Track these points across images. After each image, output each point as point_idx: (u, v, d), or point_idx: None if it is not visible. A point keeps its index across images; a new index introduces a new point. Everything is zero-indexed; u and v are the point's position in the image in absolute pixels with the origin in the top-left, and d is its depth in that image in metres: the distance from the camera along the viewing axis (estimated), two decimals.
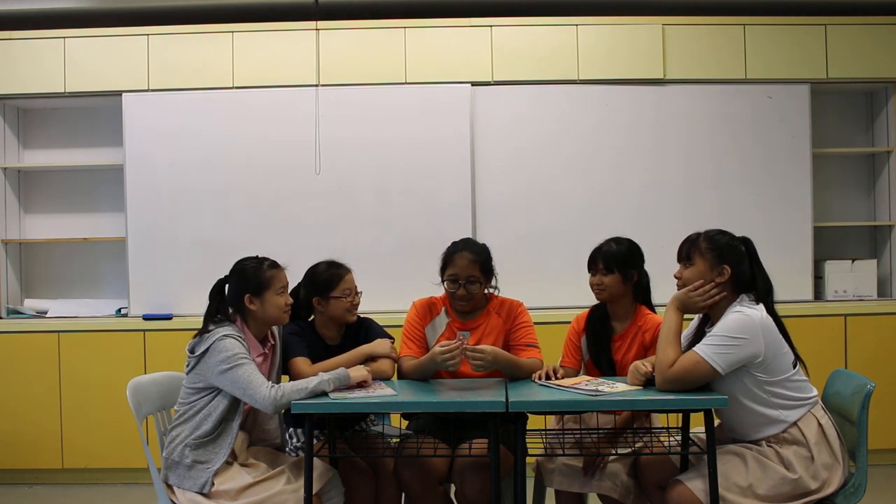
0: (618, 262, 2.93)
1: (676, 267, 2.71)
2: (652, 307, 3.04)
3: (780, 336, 2.55)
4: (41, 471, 4.52)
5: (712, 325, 2.61)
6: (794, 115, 4.69)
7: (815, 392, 2.61)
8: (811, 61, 4.67)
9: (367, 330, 3.06)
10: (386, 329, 3.11)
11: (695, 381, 2.50)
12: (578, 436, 2.85)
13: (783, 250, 4.59)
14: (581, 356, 3.05)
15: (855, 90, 4.96)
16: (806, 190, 4.70)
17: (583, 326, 3.06)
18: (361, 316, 3.08)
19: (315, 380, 2.62)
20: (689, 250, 2.67)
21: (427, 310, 3.11)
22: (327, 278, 2.98)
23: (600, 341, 2.98)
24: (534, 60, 4.65)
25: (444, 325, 3.08)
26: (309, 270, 3.03)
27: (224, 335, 2.64)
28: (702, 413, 2.52)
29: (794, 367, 2.57)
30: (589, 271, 2.99)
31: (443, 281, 3.04)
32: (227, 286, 2.82)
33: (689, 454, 2.68)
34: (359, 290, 3.03)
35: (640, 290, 3.01)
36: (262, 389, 2.56)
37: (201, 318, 2.77)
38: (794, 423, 2.53)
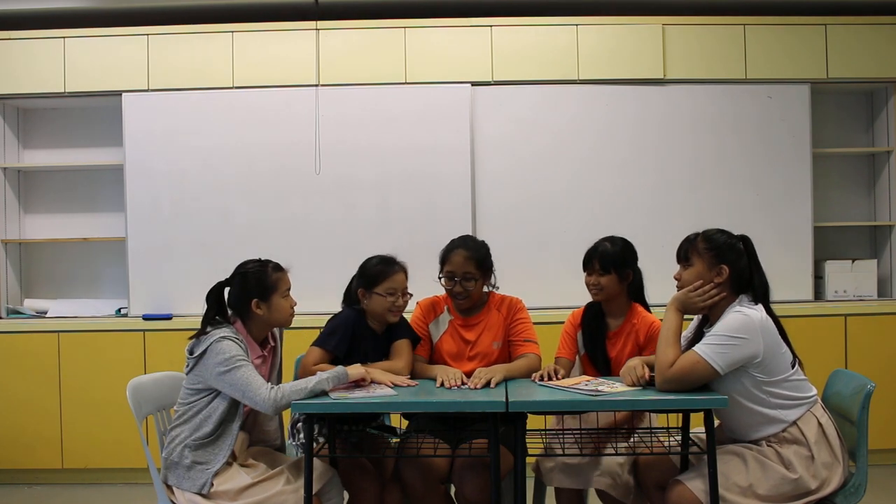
0: (614, 262, 2.95)
1: (676, 267, 2.71)
2: (646, 304, 3.05)
3: (779, 336, 2.55)
4: (41, 471, 4.52)
5: (711, 325, 2.61)
6: (795, 115, 4.69)
7: (814, 391, 2.61)
8: (811, 61, 4.67)
9: (397, 323, 3.03)
10: None
11: (694, 381, 2.50)
12: (578, 435, 2.85)
13: (783, 250, 4.59)
14: (577, 349, 3.06)
15: (855, 90, 4.96)
16: (806, 190, 4.70)
17: (579, 322, 3.07)
18: None
19: (314, 379, 2.61)
20: (686, 251, 2.67)
21: (430, 308, 3.16)
22: (375, 273, 2.96)
23: (596, 338, 2.99)
24: (534, 60, 4.65)
25: (447, 322, 3.11)
26: (365, 261, 3.03)
27: (221, 337, 2.63)
28: (701, 413, 2.51)
29: (793, 366, 2.57)
30: (584, 271, 3.01)
31: (440, 278, 3.07)
32: (227, 289, 2.80)
33: (689, 454, 2.68)
34: (409, 292, 2.99)
35: (634, 288, 3.03)
36: (261, 391, 2.56)
37: (201, 318, 2.76)
38: (794, 423, 2.53)
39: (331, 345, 2.91)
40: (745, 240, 2.68)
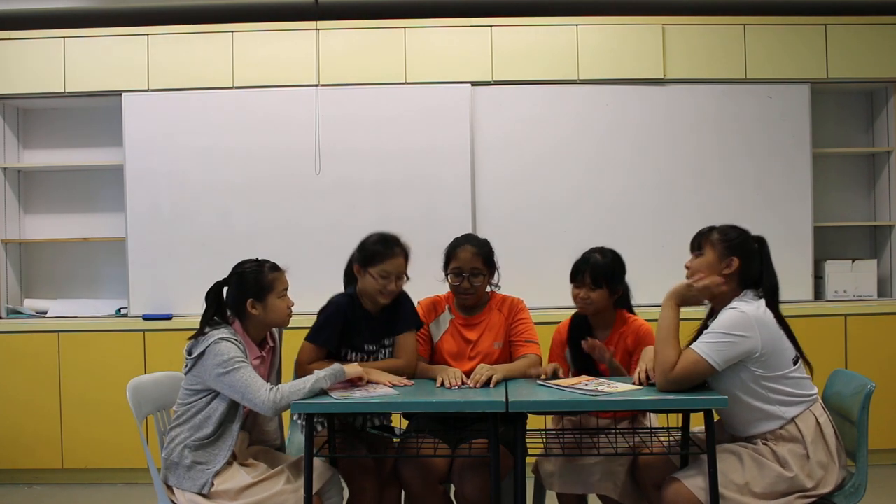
0: (606, 276, 2.89)
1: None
2: (632, 310, 3.02)
3: (780, 332, 2.55)
4: (41, 471, 4.52)
5: (714, 318, 2.62)
6: (794, 115, 4.69)
7: (814, 390, 2.61)
8: (811, 61, 4.67)
9: (397, 306, 2.98)
10: None
11: (695, 380, 2.51)
12: (578, 435, 2.84)
13: (783, 250, 4.50)
14: (568, 365, 3.04)
15: (855, 90, 4.96)
16: (806, 190, 4.70)
17: (565, 337, 3.04)
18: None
19: (311, 379, 2.61)
20: (700, 241, 2.68)
21: (431, 308, 3.15)
22: (371, 253, 2.89)
23: (584, 352, 2.93)
24: (534, 61, 4.65)
25: (448, 322, 3.11)
26: (366, 236, 2.95)
27: (220, 338, 2.62)
28: (701, 413, 2.51)
29: (795, 363, 2.57)
30: (572, 282, 2.94)
31: (447, 275, 3.06)
32: (225, 289, 2.79)
33: (689, 454, 2.68)
34: (407, 276, 2.90)
35: (621, 298, 2.99)
36: (261, 393, 2.56)
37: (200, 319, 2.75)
38: (792, 420, 2.53)
39: (321, 340, 2.89)
40: (760, 241, 2.69)
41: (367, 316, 2.95)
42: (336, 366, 2.69)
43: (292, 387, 2.59)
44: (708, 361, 2.47)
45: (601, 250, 2.96)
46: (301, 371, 2.82)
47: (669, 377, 2.51)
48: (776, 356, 2.53)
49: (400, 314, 2.98)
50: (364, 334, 2.94)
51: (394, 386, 2.72)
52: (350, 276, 3.02)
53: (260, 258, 2.84)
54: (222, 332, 2.65)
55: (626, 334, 2.94)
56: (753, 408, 2.55)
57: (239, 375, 2.57)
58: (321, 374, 2.63)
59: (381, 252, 2.88)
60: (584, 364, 2.95)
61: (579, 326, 3.00)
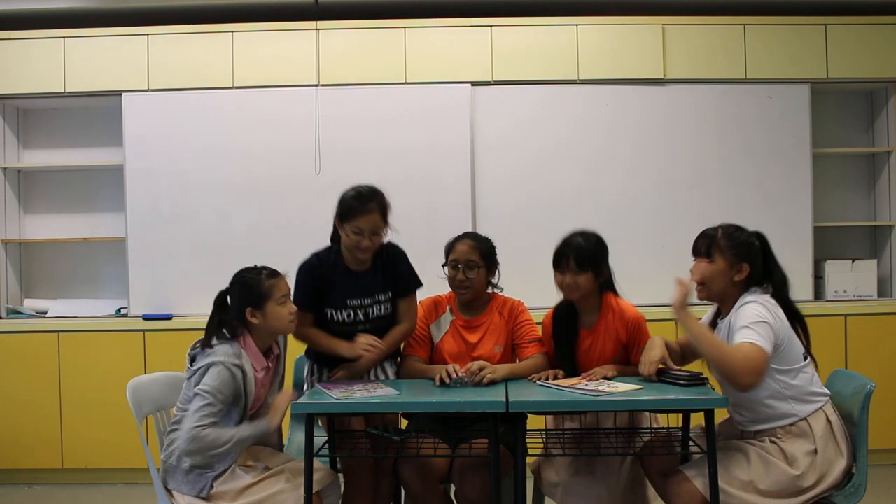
0: (591, 259, 2.83)
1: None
2: (616, 292, 2.97)
3: (789, 325, 2.56)
4: (41, 471, 4.52)
5: (723, 317, 2.64)
6: (795, 115, 4.69)
7: (827, 392, 2.62)
8: (811, 61, 4.67)
9: (393, 263, 2.96)
10: None
11: (765, 370, 2.47)
12: (578, 436, 2.84)
13: (783, 250, 4.48)
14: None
15: (855, 90, 4.96)
16: (806, 190, 4.70)
17: (551, 331, 2.99)
18: (393, 244, 2.99)
19: (233, 437, 2.55)
20: (708, 247, 2.66)
21: (432, 308, 3.14)
22: (346, 208, 2.85)
23: (569, 339, 2.91)
24: (534, 60, 4.65)
25: (449, 322, 3.10)
26: (347, 189, 2.92)
27: (221, 362, 2.56)
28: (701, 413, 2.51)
29: (805, 359, 2.59)
30: (555, 268, 2.88)
31: (445, 269, 3.06)
32: (228, 297, 2.74)
33: (690, 454, 2.67)
34: (386, 230, 2.85)
35: (606, 281, 2.94)
36: (193, 426, 2.50)
37: (201, 318, 2.73)
38: (804, 419, 2.54)
39: (305, 306, 2.87)
40: (760, 237, 2.70)
41: (348, 271, 2.91)
42: (260, 423, 2.63)
43: (217, 439, 2.53)
44: (765, 350, 2.44)
45: (583, 233, 2.91)
46: (301, 338, 2.89)
47: (756, 371, 2.42)
48: (788, 349, 2.54)
49: (397, 274, 2.97)
50: (347, 290, 2.89)
51: (387, 383, 2.71)
52: (337, 232, 2.99)
53: (259, 265, 2.76)
54: (226, 354, 2.59)
55: (614, 322, 2.88)
56: (766, 404, 2.55)
57: (201, 404, 2.52)
58: (244, 434, 2.57)
59: (355, 208, 2.84)
60: (569, 357, 2.90)
61: (566, 313, 2.94)
